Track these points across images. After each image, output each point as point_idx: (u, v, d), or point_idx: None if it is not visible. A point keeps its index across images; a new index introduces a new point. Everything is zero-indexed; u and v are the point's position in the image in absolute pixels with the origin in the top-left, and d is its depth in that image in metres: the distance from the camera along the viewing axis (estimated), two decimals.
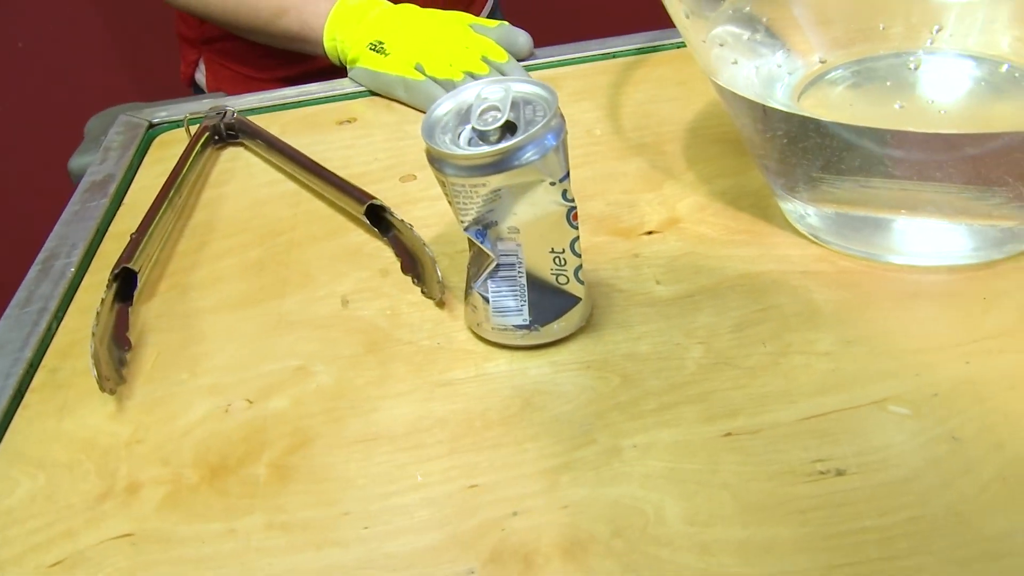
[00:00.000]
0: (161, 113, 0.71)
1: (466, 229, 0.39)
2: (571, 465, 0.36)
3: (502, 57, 0.67)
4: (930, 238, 0.45)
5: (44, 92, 1.47)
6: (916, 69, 0.47)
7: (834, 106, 0.46)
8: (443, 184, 0.38)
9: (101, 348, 0.44)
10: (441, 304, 0.46)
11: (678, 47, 0.70)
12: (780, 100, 0.44)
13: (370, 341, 0.45)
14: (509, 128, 0.38)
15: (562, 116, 0.38)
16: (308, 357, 0.44)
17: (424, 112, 0.66)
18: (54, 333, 0.48)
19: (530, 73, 0.69)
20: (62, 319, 0.50)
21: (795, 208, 0.47)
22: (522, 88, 0.39)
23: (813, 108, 0.45)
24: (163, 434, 0.41)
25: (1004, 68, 0.46)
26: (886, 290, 0.43)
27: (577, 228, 0.40)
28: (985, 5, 0.47)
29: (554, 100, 0.38)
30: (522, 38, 0.70)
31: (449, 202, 0.39)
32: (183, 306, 0.49)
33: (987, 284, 0.43)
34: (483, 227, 0.39)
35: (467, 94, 0.40)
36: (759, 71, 0.47)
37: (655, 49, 0.70)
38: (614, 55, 0.70)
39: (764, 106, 0.43)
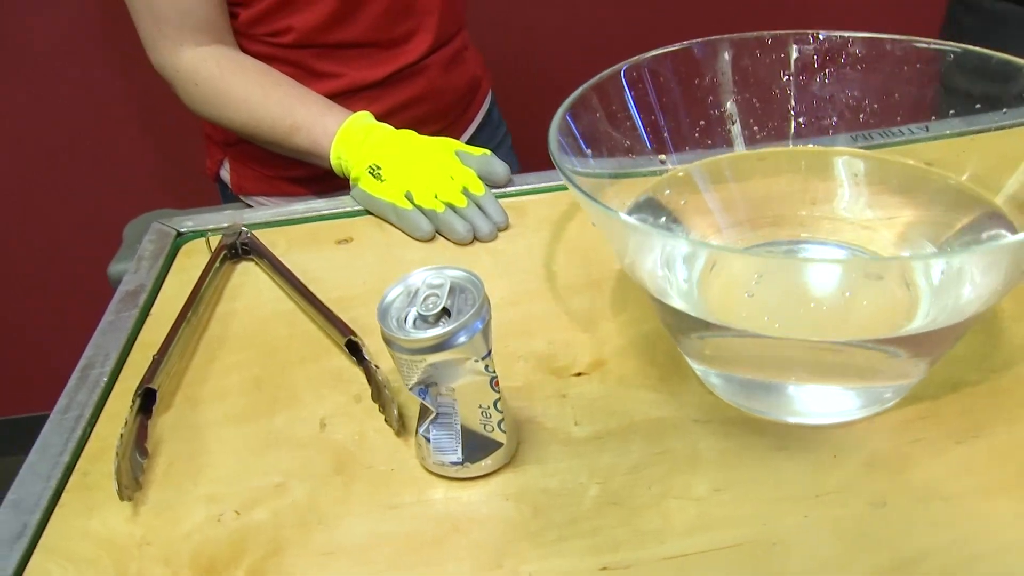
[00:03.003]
0: (188, 223, 0.82)
1: (410, 389, 0.49)
2: None
3: (480, 190, 0.77)
4: (817, 400, 0.54)
5: (84, 196, 1.62)
6: (800, 256, 0.56)
7: (728, 288, 0.56)
8: (392, 356, 0.48)
9: (123, 461, 0.54)
10: (399, 433, 0.56)
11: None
12: (678, 285, 0.54)
13: (339, 462, 0.55)
14: (446, 312, 0.48)
15: (487, 301, 0.49)
16: (288, 474, 0.55)
17: (410, 235, 0.77)
18: (87, 438, 0.59)
19: (503, 200, 0.79)
20: (94, 425, 0.60)
21: (696, 364, 0.57)
22: (457, 276, 0.50)
23: (710, 291, 0.54)
24: (168, 537, 0.51)
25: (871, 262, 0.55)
26: (760, 442, 0.53)
27: (498, 391, 0.50)
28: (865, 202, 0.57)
29: (481, 288, 0.49)
30: (500, 169, 0.81)
31: (397, 368, 0.49)
32: (193, 418, 0.60)
33: (841, 439, 0.52)
34: (425, 387, 0.49)
35: (414, 279, 0.50)
36: (663, 251, 0.56)
37: (624, 175, 0.80)
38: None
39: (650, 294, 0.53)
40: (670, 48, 0.57)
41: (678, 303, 0.50)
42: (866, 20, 1.67)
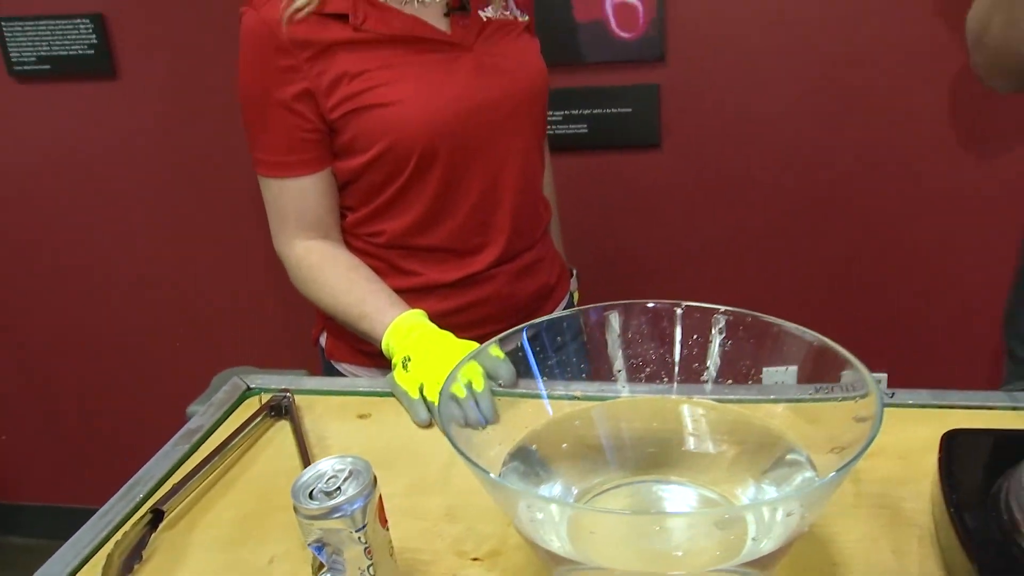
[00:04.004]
0: (258, 380, 1.02)
1: (308, 545, 0.64)
2: None
3: (479, 387, 0.92)
4: None
5: (209, 343, 2.02)
6: (655, 500, 0.67)
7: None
8: (298, 521, 0.63)
9: (117, 561, 0.72)
10: None
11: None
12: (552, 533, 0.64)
13: None
14: (340, 490, 0.63)
15: (372, 484, 0.63)
16: None
17: (412, 420, 0.92)
18: (107, 538, 0.77)
19: (499, 398, 0.92)
20: (119, 528, 0.79)
21: None
22: (357, 463, 0.65)
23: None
24: None
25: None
26: None
27: (371, 559, 0.63)
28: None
29: (369, 474, 0.63)
30: (505, 373, 0.94)
31: (299, 528, 0.64)
32: (187, 538, 0.77)
33: None
34: (320, 545, 0.64)
35: (325, 465, 0.65)
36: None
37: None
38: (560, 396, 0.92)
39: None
40: (566, 312, 0.72)
41: (537, 540, 0.61)
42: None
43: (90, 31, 1.84)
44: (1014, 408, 0.88)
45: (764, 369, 0.72)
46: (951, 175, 1.69)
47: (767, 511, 0.59)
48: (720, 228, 1.81)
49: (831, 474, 0.54)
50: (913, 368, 1.84)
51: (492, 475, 0.60)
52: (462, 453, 0.59)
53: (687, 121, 1.74)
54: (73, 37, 1.85)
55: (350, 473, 0.64)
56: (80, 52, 1.86)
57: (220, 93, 1.81)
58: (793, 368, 0.70)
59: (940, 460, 0.72)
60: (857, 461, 0.55)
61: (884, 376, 1.83)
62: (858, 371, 0.64)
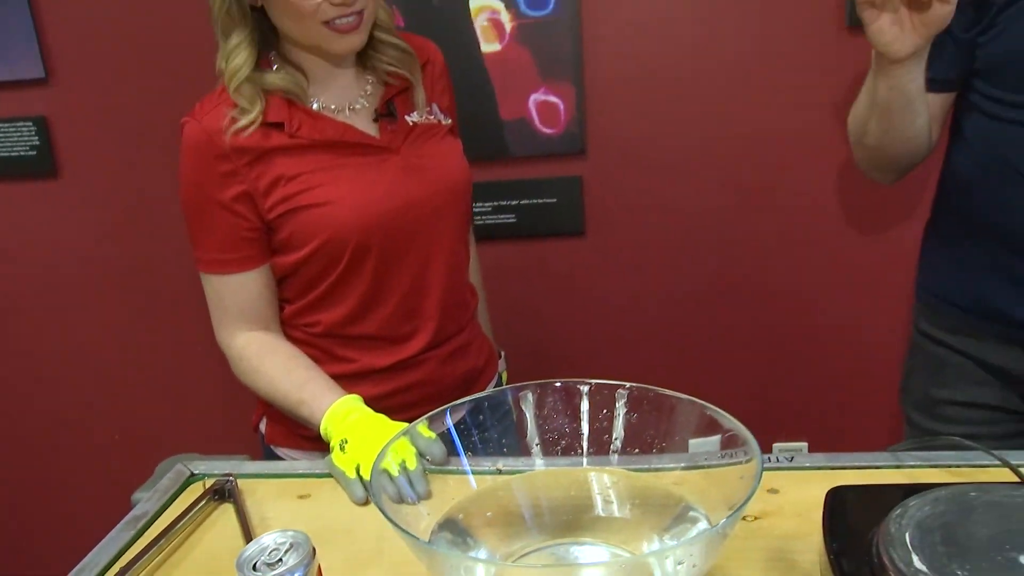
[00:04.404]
0: (202, 466, 1.07)
1: None
2: None
3: (412, 465, 0.98)
4: None
5: (151, 429, 2.08)
6: (571, 560, 0.74)
7: None
8: None
9: None
10: None
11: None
12: None
13: None
14: (281, 561, 0.69)
15: (311, 557, 0.69)
16: None
17: (350, 499, 0.98)
18: None
19: (432, 475, 0.99)
20: None
21: None
22: (298, 537, 0.71)
23: None
24: None
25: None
26: None
27: None
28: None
29: (307, 547, 0.69)
30: (438, 452, 1.01)
31: None
32: None
33: None
34: None
35: (267, 539, 0.71)
36: None
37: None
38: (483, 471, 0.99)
39: None
40: (486, 393, 0.80)
41: None
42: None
43: (32, 134, 1.90)
44: (897, 467, 0.97)
45: (690, 440, 0.80)
46: (851, 256, 1.83)
47: (670, 562, 0.66)
48: (642, 310, 1.91)
49: (720, 522, 0.62)
50: (832, 436, 1.95)
51: (422, 541, 0.67)
52: (395, 524, 0.66)
53: (608, 210, 1.85)
54: (16, 139, 1.91)
55: (291, 545, 0.70)
56: (22, 154, 1.92)
57: (158, 193, 1.88)
58: (715, 438, 0.78)
59: (824, 514, 0.80)
60: (741, 512, 0.63)
61: (804, 445, 1.93)
62: (743, 437, 0.72)
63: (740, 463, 0.73)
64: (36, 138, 1.91)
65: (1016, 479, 0.87)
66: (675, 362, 1.93)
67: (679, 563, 0.62)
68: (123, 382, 2.09)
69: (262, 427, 1.31)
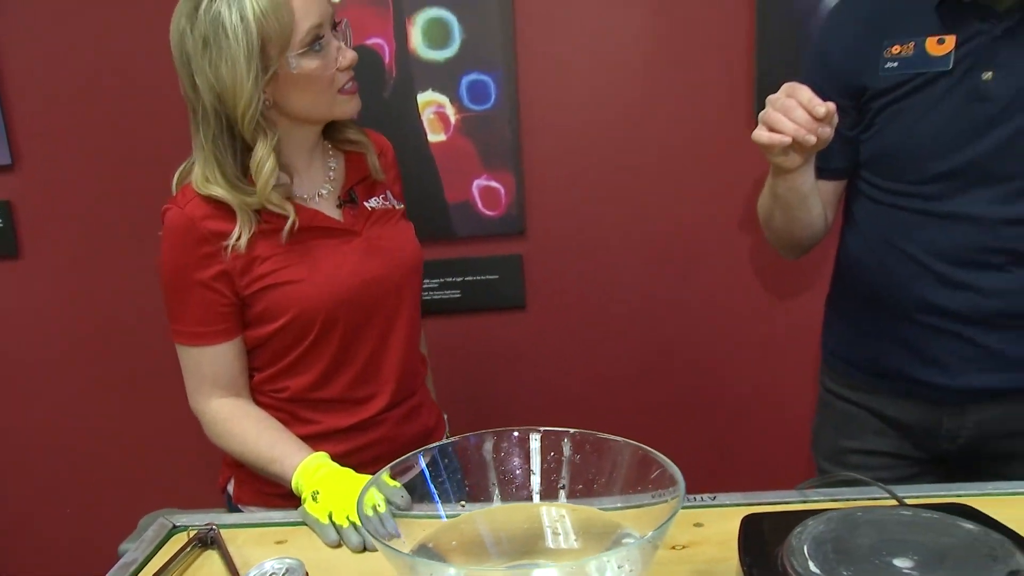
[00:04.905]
0: (183, 519, 1.17)
1: None
2: None
3: (383, 509, 1.09)
4: None
5: (133, 490, 2.13)
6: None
7: None
8: None
9: None
10: None
11: None
12: None
13: None
14: None
15: (307, 573, 0.80)
16: None
17: (323, 543, 1.09)
18: None
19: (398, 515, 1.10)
20: None
21: None
22: (293, 564, 0.82)
23: None
24: None
25: None
26: None
27: None
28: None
29: (302, 568, 0.80)
30: (400, 500, 1.12)
31: None
32: None
33: None
34: None
35: (266, 565, 0.82)
36: None
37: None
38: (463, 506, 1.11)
39: None
40: (453, 439, 0.93)
41: None
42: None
43: None
44: (803, 501, 1.12)
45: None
46: (767, 324, 2.02)
47: (610, 568, 0.79)
48: (578, 377, 2.06)
49: (649, 534, 0.76)
50: (753, 482, 2.09)
51: (406, 554, 0.79)
52: (382, 542, 0.78)
53: (547, 285, 2.01)
54: None
55: (287, 569, 0.81)
56: None
57: (121, 270, 1.98)
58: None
59: (740, 536, 0.94)
60: (669, 524, 0.76)
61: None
62: (671, 472, 0.86)
63: (666, 501, 0.86)
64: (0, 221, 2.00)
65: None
66: (610, 425, 2.07)
67: (619, 566, 0.75)
68: (97, 449, 2.13)
69: (230, 488, 1.41)
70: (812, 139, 1.17)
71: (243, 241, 1.22)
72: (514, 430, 0.95)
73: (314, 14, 1.21)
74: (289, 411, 1.34)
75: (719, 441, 2.10)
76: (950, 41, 1.25)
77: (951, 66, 1.25)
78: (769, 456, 2.10)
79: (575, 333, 2.04)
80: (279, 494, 1.35)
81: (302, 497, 1.17)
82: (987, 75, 1.23)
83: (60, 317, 2.05)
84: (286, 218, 1.25)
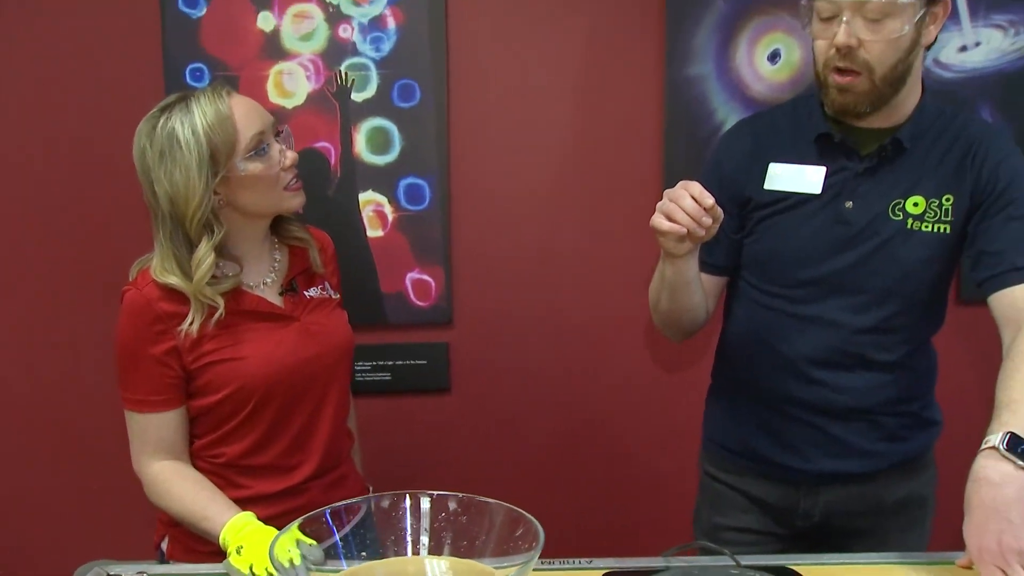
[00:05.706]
0: (117, 569, 1.31)
1: None
2: None
3: (298, 562, 1.25)
4: None
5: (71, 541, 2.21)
6: None
7: None
8: None
9: None
10: None
11: None
12: None
13: None
14: None
15: None
16: None
17: None
18: None
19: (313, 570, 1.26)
20: None
21: None
22: None
23: None
24: None
25: None
26: None
27: None
28: None
29: None
30: (316, 555, 1.27)
31: None
32: None
33: None
34: None
35: None
36: None
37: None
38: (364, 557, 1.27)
39: None
40: (358, 499, 1.10)
41: None
42: None
43: None
44: (667, 566, 1.30)
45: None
46: (664, 410, 2.22)
47: None
48: (498, 456, 2.23)
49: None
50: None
51: None
52: None
53: (471, 371, 2.20)
54: None
55: None
56: None
57: (66, 342, 2.12)
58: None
59: None
60: (524, 570, 0.94)
61: None
62: (535, 529, 1.04)
63: (531, 550, 1.04)
64: None
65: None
66: (524, 499, 2.24)
67: None
68: (36, 500, 2.23)
69: (163, 545, 1.55)
70: (702, 232, 1.34)
71: (195, 327, 1.40)
72: (407, 495, 1.13)
73: (255, 124, 1.43)
74: (224, 476, 1.49)
75: (623, 515, 2.27)
76: (822, 171, 1.48)
77: (820, 191, 1.47)
78: (671, 531, 2.26)
79: (495, 415, 2.22)
80: (209, 551, 1.49)
81: (227, 551, 1.32)
82: (849, 204, 1.46)
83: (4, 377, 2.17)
84: (236, 306, 1.43)
